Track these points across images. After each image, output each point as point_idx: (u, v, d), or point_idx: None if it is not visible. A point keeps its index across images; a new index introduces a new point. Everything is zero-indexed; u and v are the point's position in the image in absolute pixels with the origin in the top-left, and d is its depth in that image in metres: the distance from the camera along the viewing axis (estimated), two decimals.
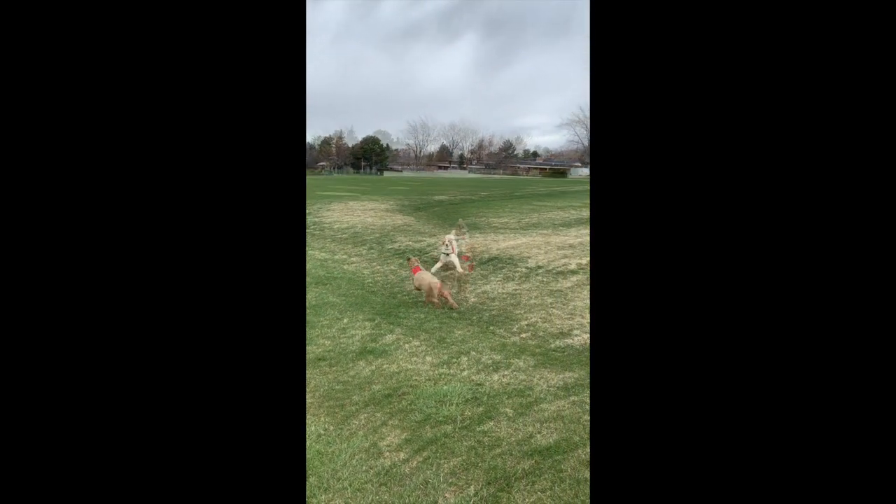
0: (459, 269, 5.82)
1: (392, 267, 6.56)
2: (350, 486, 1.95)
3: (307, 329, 4.01)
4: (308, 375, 3.10)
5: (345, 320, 4.27)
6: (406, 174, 59.91)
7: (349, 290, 5.36)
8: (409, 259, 5.61)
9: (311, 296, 5.04)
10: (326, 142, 70.47)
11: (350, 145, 69.62)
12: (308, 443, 2.30)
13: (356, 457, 2.16)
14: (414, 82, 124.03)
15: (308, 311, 4.52)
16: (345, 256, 7.25)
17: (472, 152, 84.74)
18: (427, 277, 4.86)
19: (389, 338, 3.80)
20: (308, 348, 3.59)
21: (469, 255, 6.22)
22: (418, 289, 4.93)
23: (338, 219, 10.91)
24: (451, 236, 6.08)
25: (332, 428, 2.44)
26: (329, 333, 3.93)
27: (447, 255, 5.89)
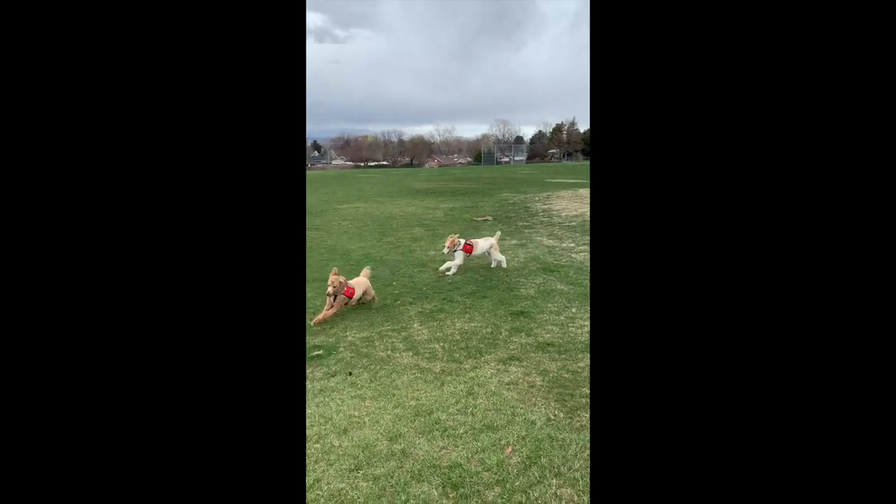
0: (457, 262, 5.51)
1: None
2: (581, 478, 1.91)
3: (535, 313, 4.12)
4: (538, 358, 3.18)
5: (573, 309, 4.20)
6: None
7: (577, 278, 5.24)
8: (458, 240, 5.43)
9: (539, 281, 5.14)
10: (557, 129, 70.38)
11: (581, 131, 67.67)
12: (539, 424, 2.36)
13: (587, 450, 2.10)
14: None
15: (536, 296, 4.64)
16: (572, 245, 7.13)
17: None
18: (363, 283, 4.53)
19: None
20: (536, 332, 3.69)
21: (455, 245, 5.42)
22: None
23: (566, 206, 10.79)
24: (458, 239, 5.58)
25: (561, 415, 2.44)
26: (557, 321, 3.93)
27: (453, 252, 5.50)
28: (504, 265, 5.75)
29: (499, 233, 6.08)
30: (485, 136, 69.49)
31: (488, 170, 32.22)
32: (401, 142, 72.73)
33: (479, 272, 5.62)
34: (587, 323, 3.85)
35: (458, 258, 5.44)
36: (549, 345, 3.40)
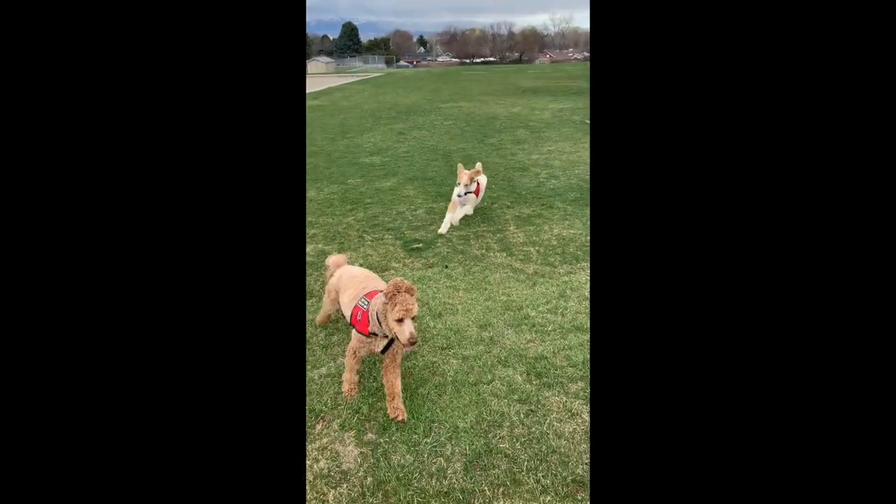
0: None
1: None
2: None
3: None
4: None
5: None
6: None
7: None
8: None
9: None
10: None
11: None
12: None
13: None
14: None
15: None
16: None
17: None
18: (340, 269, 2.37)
19: None
20: None
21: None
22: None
23: None
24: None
25: None
26: None
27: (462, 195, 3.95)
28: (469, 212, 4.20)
29: (479, 164, 4.23)
30: None
31: None
32: (510, 35, 66.75)
33: (583, 179, 5.30)
34: None
35: (470, 206, 4.08)
36: None
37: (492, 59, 60.42)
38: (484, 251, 3.53)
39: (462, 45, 66.11)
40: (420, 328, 2.51)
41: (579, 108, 10.46)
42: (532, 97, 12.97)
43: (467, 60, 58.87)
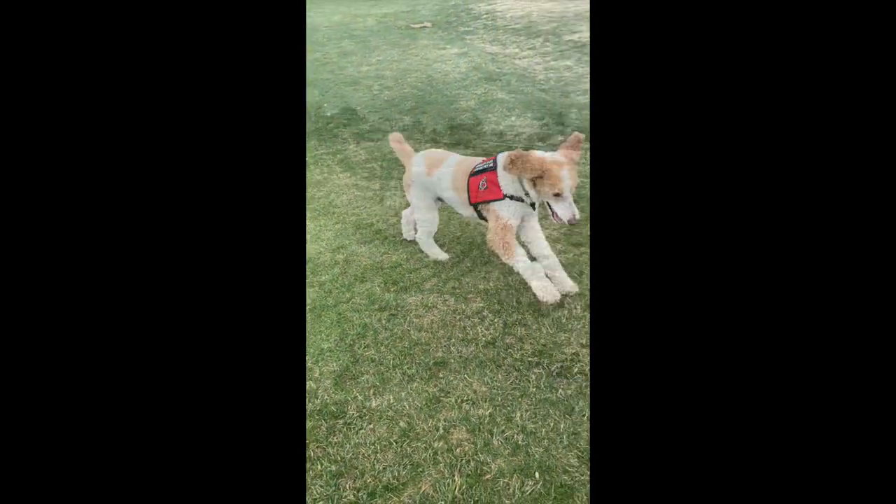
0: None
1: (568, 62, 5.79)
2: (510, 271, 2.13)
3: (473, 125, 4.02)
4: None
5: (513, 118, 4.11)
6: None
7: (519, 87, 5.01)
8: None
9: (480, 92, 4.90)
10: None
11: None
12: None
13: None
14: None
15: (477, 108, 4.46)
16: (516, 50, 6.60)
17: None
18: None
19: None
20: (475, 143, 3.65)
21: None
22: None
23: (511, 6, 9.64)
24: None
25: None
26: (497, 130, 3.87)
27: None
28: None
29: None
30: None
31: None
32: None
33: (416, 87, 5.24)
34: (526, 130, 3.83)
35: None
36: (487, 154, 3.41)
37: None
38: (326, 175, 3.36)
39: None
40: None
41: (404, 12, 9.97)
42: (353, 3, 11.91)
43: None
